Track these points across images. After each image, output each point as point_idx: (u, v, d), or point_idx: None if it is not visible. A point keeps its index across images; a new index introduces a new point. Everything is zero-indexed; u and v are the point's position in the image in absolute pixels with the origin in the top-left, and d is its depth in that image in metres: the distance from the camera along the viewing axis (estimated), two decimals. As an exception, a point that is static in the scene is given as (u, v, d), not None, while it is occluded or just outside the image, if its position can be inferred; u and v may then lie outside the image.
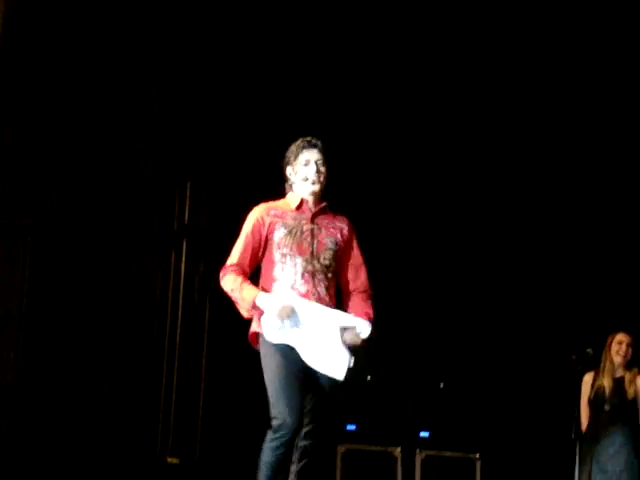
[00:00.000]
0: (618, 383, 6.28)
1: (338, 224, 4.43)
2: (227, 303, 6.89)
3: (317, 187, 4.38)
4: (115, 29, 6.49)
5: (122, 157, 6.64)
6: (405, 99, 7.23)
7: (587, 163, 7.48)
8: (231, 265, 4.33)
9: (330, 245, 4.33)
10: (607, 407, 6.24)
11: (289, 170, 4.43)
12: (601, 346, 6.37)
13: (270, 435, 4.02)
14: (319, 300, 4.22)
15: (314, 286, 4.25)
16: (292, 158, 4.41)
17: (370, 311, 4.33)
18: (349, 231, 4.44)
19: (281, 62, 7.24)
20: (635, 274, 7.29)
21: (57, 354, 5.93)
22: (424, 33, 6.73)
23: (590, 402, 6.33)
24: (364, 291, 4.40)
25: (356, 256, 4.43)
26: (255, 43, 7.10)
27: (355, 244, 4.45)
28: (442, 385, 7.85)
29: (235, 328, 6.96)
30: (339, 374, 4.08)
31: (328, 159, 4.39)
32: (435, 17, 6.66)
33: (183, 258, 7.03)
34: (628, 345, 6.31)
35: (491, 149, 7.52)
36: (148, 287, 6.67)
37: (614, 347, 6.34)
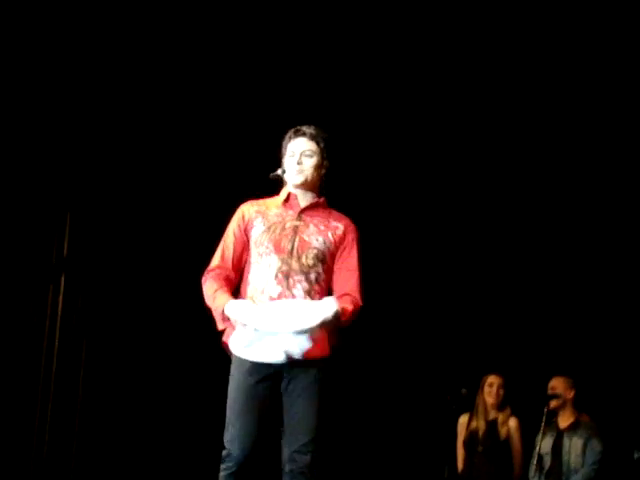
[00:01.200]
0: (491, 425, 6.41)
1: (333, 223, 3.96)
2: (105, 342, 6.92)
3: (300, 179, 3.92)
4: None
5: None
6: (406, 96, 7.08)
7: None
8: (210, 270, 3.89)
9: (315, 244, 3.86)
10: (480, 448, 6.37)
11: (282, 163, 4.01)
12: (476, 386, 6.49)
13: (221, 464, 3.70)
14: None
15: (288, 288, 3.76)
16: (283, 150, 4.01)
17: (347, 307, 3.77)
18: (346, 232, 3.95)
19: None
20: (510, 314, 7.40)
21: None
22: (427, 28, 6.55)
23: (464, 443, 6.45)
24: (348, 294, 3.86)
25: (349, 260, 3.92)
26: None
27: (352, 248, 3.93)
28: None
29: (112, 367, 7.01)
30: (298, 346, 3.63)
31: (325, 147, 3.97)
32: (439, 14, 6.55)
33: (61, 292, 6.88)
34: (499, 387, 6.44)
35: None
36: (24, 323, 6.53)
37: (486, 389, 6.47)
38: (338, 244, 3.92)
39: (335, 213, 4.02)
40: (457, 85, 6.94)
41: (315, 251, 3.85)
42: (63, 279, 6.88)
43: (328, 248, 3.89)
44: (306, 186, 3.96)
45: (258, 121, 7.01)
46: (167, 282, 7.19)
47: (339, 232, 3.94)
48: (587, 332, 7.14)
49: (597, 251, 7.26)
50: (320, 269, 3.85)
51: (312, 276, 3.82)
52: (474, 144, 7.31)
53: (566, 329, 7.16)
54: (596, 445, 6.17)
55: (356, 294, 3.86)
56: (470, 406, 6.48)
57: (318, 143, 3.95)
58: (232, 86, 6.99)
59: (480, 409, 6.46)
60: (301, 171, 3.92)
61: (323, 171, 4.00)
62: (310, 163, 3.94)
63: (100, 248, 7.07)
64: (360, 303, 3.85)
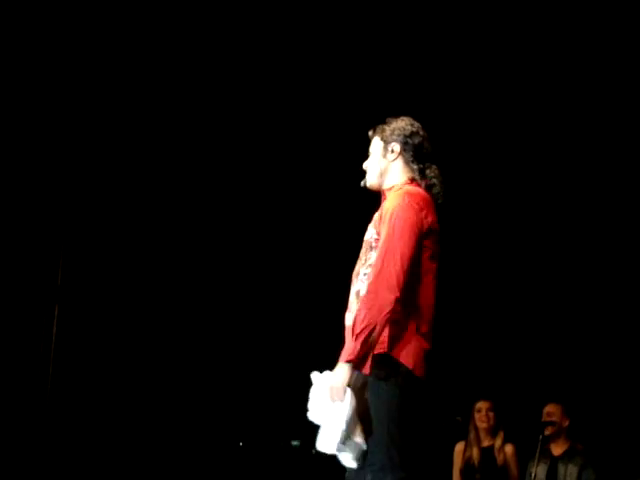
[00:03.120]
0: (487, 452, 6.38)
1: (379, 213, 3.57)
2: (94, 367, 6.93)
3: (367, 179, 3.72)
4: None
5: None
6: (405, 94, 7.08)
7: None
8: None
9: (367, 238, 3.56)
10: (477, 476, 6.34)
11: None
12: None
13: None
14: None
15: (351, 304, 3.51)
16: None
17: (355, 345, 3.29)
18: (382, 212, 3.53)
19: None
20: (501, 340, 7.40)
21: None
22: (429, 28, 6.60)
23: (461, 472, 6.42)
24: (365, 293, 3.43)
25: (380, 240, 3.47)
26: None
27: (383, 225, 3.45)
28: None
29: (106, 395, 7.01)
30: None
31: (384, 134, 3.65)
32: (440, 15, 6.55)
33: (55, 322, 6.89)
34: (488, 410, 6.43)
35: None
36: (18, 351, 6.53)
37: (476, 415, 6.45)
38: (379, 229, 3.52)
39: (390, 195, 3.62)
40: (457, 84, 6.93)
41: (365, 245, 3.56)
42: (57, 309, 6.89)
43: (372, 236, 3.55)
44: (375, 186, 3.70)
45: (136, 189, 7.11)
46: (160, 312, 7.22)
47: (379, 215, 3.56)
48: (580, 359, 7.14)
49: (590, 278, 7.27)
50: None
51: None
52: (471, 145, 7.30)
53: (559, 356, 7.17)
54: (591, 474, 6.15)
55: (371, 278, 3.37)
56: (465, 434, 6.47)
57: (373, 137, 3.70)
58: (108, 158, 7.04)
59: (472, 436, 6.44)
60: (366, 171, 3.71)
61: (390, 158, 3.64)
62: (371, 160, 3.70)
63: (94, 278, 7.09)
64: (379, 290, 3.31)
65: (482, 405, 6.44)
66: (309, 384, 3.44)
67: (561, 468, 6.20)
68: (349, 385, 3.30)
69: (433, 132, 3.79)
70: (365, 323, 3.29)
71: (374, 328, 3.28)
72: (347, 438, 3.35)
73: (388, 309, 3.29)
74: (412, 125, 3.64)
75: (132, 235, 7.27)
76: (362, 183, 3.72)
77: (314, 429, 3.44)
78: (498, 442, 6.37)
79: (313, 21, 6.53)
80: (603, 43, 6.45)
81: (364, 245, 3.56)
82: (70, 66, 6.67)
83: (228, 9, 6.49)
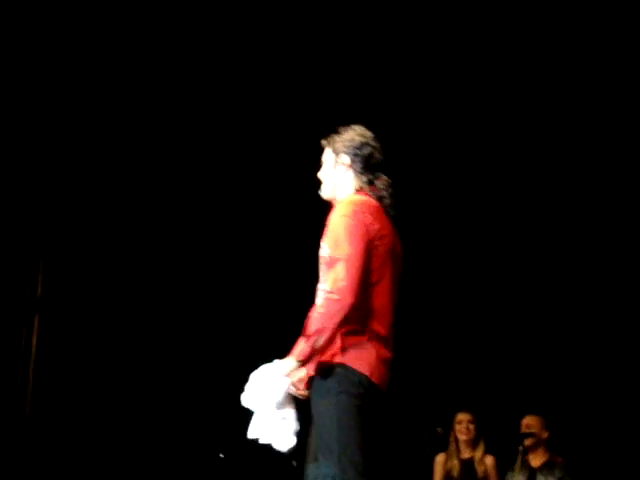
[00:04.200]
0: (467, 464, 6.40)
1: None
2: (79, 381, 6.89)
3: (322, 190, 3.72)
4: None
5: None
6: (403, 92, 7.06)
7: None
8: None
9: (321, 254, 3.57)
10: (458, 488, 6.36)
11: None
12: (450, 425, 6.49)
13: None
14: None
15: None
16: None
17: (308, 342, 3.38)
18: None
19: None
20: (481, 352, 7.42)
21: None
22: (418, 27, 6.59)
23: (442, 483, 6.44)
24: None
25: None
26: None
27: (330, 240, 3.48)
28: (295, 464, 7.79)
29: (87, 407, 6.98)
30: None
31: (336, 144, 3.63)
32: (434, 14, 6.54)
33: (35, 333, 6.85)
34: (468, 422, 6.45)
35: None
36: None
37: (456, 427, 6.47)
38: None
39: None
40: (455, 83, 6.91)
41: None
42: (37, 320, 6.86)
43: (323, 251, 3.56)
44: (329, 198, 3.69)
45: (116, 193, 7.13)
46: (143, 321, 7.20)
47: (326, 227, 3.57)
48: (559, 371, 7.17)
49: (569, 290, 7.31)
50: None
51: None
52: (466, 145, 7.30)
53: (539, 368, 7.19)
54: (569, 486, 6.19)
55: (326, 289, 3.39)
56: (446, 445, 6.48)
57: (326, 147, 3.68)
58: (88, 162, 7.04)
59: (453, 447, 6.46)
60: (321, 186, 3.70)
61: (340, 169, 3.63)
62: (323, 174, 3.69)
63: (74, 288, 7.06)
64: (329, 297, 3.33)
65: (463, 417, 6.46)
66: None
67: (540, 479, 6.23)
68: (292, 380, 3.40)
69: (433, 130, 3.74)
70: (317, 327, 3.33)
71: (325, 333, 3.31)
72: (278, 423, 3.41)
73: (340, 315, 3.31)
74: (362, 136, 3.62)
75: (114, 244, 7.24)
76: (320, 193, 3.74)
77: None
78: (478, 454, 6.39)
79: (278, 25, 6.55)
80: (594, 40, 6.47)
81: (320, 261, 3.56)
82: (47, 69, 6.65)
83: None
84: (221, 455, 7.26)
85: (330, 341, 3.34)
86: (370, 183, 3.55)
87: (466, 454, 6.43)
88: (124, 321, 7.19)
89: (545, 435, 6.30)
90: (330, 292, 3.33)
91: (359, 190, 3.56)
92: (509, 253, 7.41)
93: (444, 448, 6.50)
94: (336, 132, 3.65)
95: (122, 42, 6.57)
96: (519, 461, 6.12)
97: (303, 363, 3.36)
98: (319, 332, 3.32)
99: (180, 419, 7.22)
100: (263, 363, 3.48)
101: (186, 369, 7.28)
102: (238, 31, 6.60)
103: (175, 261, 7.42)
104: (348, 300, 3.30)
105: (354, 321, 3.38)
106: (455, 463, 6.42)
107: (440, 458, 6.50)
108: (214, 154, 7.24)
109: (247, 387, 3.44)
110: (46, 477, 6.71)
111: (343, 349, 3.39)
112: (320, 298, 3.47)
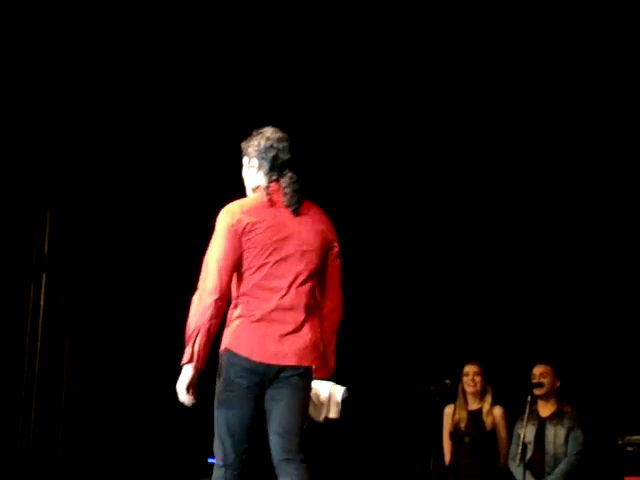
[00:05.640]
0: (475, 415, 6.42)
1: None
2: (86, 338, 6.90)
3: None
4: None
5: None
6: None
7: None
8: None
9: None
10: (467, 439, 6.38)
11: None
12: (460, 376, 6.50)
13: None
14: None
15: None
16: None
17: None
18: None
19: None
20: (488, 302, 7.42)
21: None
22: (400, 28, 6.61)
23: (450, 435, 6.45)
24: None
25: None
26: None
27: None
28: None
29: (95, 363, 7.00)
30: None
31: (246, 155, 3.96)
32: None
33: (42, 291, 6.86)
34: (475, 374, 6.45)
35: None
36: (6, 321, 6.51)
37: (463, 379, 6.48)
38: None
39: None
40: (449, 84, 6.94)
41: None
42: (44, 277, 6.87)
43: None
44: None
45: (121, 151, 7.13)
46: (149, 278, 7.20)
47: None
48: (565, 320, 7.17)
49: (577, 243, 7.28)
50: None
51: None
52: (459, 143, 7.32)
53: (545, 317, 7.19)
54: (579, 435, 6.20)
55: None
56: (454, 397, 6.49)
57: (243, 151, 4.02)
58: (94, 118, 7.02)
59: (460, 399, 6.48)
60: None
61: (252, 172, 3.97)
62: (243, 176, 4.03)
63: (80, 246, 7.07)
64: (194, 299, 3.76)
65: (469, 369, 6.47)
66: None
67: (549, 430, 6.24)
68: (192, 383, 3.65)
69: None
70: (191, 328, 3.65)
71: (200, 331, 3.63)
72: None
73: (209, 312, 3.63)
74: (268, 139, 3.92)
75: (122, 205, 7.23)
76: None
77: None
78: (486, 405, 6.40)
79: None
80: (603, 43, 6.46)
81: None
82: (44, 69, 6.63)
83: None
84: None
85: (207, 336, 3.65)
86: (277, 181, 3.86)
87: (474, 406, 6.44)
88: (132, 277, 7.19)
89: (557, 384, 6.31)
90: (195, 294, 3.72)
91: (255, 188, 3.93)
92: (521, 208, 7.41)
93: (452, 400, 6.51)
94: (250, 136, 3.98)
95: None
96: (527, 411, 6.12)
97: (190, 362, 3.64)
98: (195, 331, 3.64)
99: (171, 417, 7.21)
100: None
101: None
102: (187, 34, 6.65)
103: (184, 218, 7.37)
104: (208, 299, 3.65)
105: (234, 308, 3.75)
106: (463, 415, 6.43)
107: (448, 409, 6.52)
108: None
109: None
110: (57, 438, 6.78)
111: (227, 336, 3.71)
112: None
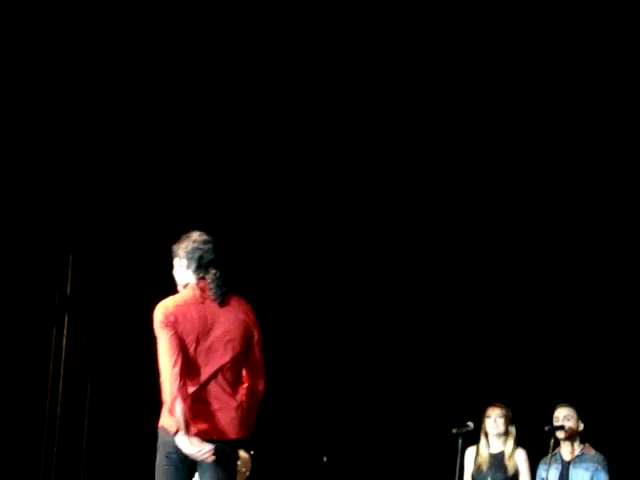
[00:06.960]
0: (497, 458, 6.35)
1: None
2: (108, 379, 6.92)
3: None
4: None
5: (2, 228, 6.55)
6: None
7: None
8: None
9: None
10: (489, 482, 6.33)
11: None
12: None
13: None
14: None
15: None
16: None
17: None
18: None
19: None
20: (515, 344, 7.40)
21: None
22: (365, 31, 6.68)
23: (473, 478, 6.39)
24: None
25: None
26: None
27: None
28: (325, 459, 7.80)
29: (117, 404, 7.01)
30: None
31: (176, 256, 4.46)
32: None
33: (65, 332, 6.90)
34: (498, 417, 6.37)
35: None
36: (29, 362, 6.53)
37: (486, 421, 6.42)
38: None
39: None
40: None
41: None
42: (67, 318, 6.90)
43: None
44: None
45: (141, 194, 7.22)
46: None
47: None
48: (588, 361, 7.14)
49: (601, 284, 7.26)
50: None
51: None
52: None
53: (569, 359, 7.17)
54: (603, 478, 6.14)
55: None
56: (477, 439, 6.45)
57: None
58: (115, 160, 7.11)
59: (483, 442, 6.42)
60: None
61: (181, 271, 4.46)
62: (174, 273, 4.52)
63: (103, 287, 7.11)
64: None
65: (492, 411, 6.40)
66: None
67: (573, 473, 6.18)
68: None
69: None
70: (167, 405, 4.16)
71: (171, 407, 4.12)
72: None
73: (169, 394, 4.14)
74: (194, 242, 4.44)
75: (143, 244, 7.27)
76: None
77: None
78: (509, 448, 6.34)
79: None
80: (603, 43, 6.46)
81: None
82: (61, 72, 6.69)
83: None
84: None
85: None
86: (203, 278, 4.36)
87: (496, 448, 6.38)
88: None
89: (581, 427, 6.25)
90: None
91: (185, 285, 4.43)
92: (540, 245, 7.40)
93: (475, 442, 6.47)
94: (179, 240, 4.48)
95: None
96: (550, 454, 6.07)
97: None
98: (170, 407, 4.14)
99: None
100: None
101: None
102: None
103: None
104: (165, 385, 4.17)
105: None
106: (485, 457, 6.38)
107: (470, 452, 6.46)
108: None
109: None
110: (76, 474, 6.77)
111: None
112: None
